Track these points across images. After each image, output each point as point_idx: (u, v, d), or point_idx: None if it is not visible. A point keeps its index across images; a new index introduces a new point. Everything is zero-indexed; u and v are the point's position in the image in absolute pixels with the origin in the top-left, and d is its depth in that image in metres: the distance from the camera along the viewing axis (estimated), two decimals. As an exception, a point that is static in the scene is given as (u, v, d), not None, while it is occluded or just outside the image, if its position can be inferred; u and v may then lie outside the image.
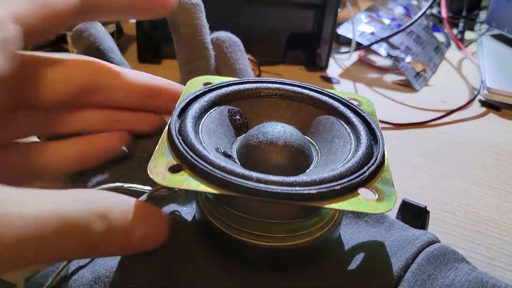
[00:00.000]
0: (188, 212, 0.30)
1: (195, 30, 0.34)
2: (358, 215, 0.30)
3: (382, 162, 0.25)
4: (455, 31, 0.73)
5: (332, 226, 0.26)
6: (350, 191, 0.23)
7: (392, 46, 0.60)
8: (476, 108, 0.53)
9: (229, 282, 0.24)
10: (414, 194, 0.37)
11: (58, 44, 0.54)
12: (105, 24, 0.40)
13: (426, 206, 0.30)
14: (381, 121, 0.47)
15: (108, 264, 0.24)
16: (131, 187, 0.28)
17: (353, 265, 0.26)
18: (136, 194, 0.28)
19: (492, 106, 0.53)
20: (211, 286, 0.23)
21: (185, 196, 0.31)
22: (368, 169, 0.24)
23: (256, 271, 0.25)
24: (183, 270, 0.24)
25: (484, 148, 0.45)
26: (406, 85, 0.57)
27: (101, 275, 0.23)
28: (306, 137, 0.29)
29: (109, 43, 0.34)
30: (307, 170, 0.26)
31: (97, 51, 0.33)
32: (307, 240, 0.25)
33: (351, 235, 0.29)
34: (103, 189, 0.27)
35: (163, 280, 0.24)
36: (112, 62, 0.33)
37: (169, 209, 0.30)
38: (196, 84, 0.31)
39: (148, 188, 0.28)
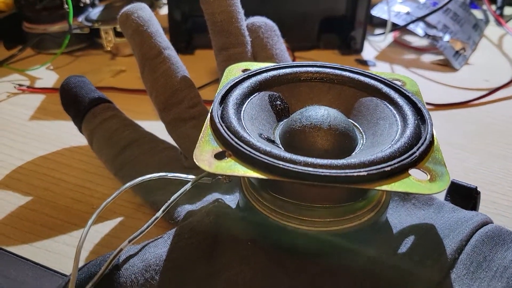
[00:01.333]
0: (231, 200, 0.30)
1: (230, 17, 0.34)
2: (405, 198, 0.29)
3: (431, 142, 0.24)
4: (493, 7, 0.71)
5: (380, 210, 0.26)
6: (400, 172, 0.22)
7: (429, 25, 0.58)
8: (522, 85, 0.51)
9: (276, 270, 0.24)
10: (461, 176, 0.35)
11: (92, 39, 0.55)
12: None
13: (476, 187, 0.29)
14: (422, 102, 0.46)
15: (157, 253, 0.24)
16: (175, 176, 0.28)
17: (403, 248, 0.25)
18: (180, 183, 0.28)
19: (538, 82, 0.51)
20: (258, 274, 0.23)
21: (228, 184, 0.31)
22: (418, 149, 0.23)
23: (303, 257, 0.25)
24: (229, 258, 0.24)
25: (532, 127, 0.43)
26: (446, 65, 0.55)
27: (151, 263, 0.23)
28: (350, 120, 0.28)
29: (157, 27, 0.34)
30: (353, 153, 0.26)
31: (144, 35, 0.33)
32: (355, 224, 0.25)
33: (399, 218, 0.28)
34: (150, 178, 0.27)
35: (209, 268, 0.24)
36: (159, 46, 0.33)
37: (212, 198, 0.30)
38: (235, 71, 0.31)
39: (191, 176, 0.28)
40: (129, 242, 0.24)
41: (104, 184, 0.34)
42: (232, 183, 0.31)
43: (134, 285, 0.23)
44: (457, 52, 0.56)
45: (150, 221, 0.25)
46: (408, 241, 0.26)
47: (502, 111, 0.46)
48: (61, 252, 0.28)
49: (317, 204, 0.24)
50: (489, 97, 0.48)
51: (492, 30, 0.67)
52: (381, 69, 0.54)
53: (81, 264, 0.23)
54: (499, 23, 0.65)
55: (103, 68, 0.51)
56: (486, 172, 0.36)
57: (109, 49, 0.54)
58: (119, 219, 0.31)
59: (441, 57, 0.57)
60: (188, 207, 0.29)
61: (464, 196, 0.29)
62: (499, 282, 0.22)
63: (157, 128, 0.34)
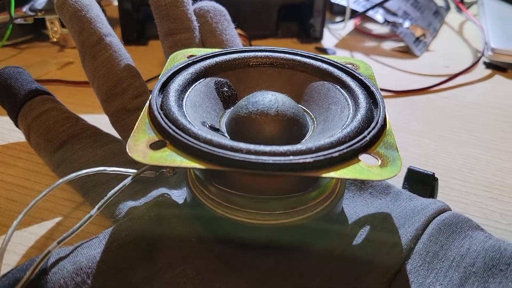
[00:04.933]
0: (179, 195, 0.28)
1: (175, 1, 0.32)
2: (361, 187, 0.28)
3: (384, 126, 0.23)
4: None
5: (334, 200, 0.24)
6: (350, 158, 0.21)
7: (389, 12, 0.57)
8: (481, 70, 0.50)
9: (221, 267, 0.22)
10: (420, 163, 0.34)
11: (38, 30, 0.52)
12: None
13: (433, 173, 0.28)
14: (382, 89, 0.45)
15: (90, 254, 0.22)
16: (114, 170, 0.26)
17: (358, 239, 0.24)
18: (120, 179, 0.26)
19: (497, 67, 0.50)
20: (201, 272, 0.21)
21: (176, 178, 0.29)
22: (368, 133, 0.22)
23: (252, 253, 0.23)
24: (170, 257, 0.22)
25: (492, 112, 0.42)
26: (406, 52, 0.54)
27: (83, 265, 0.21)
28: (301, 105, 0.27)
29: (97, 12, 0.32)
30: (303, 140, 0.24)
31: (83, 20, 0.31)
32: (307, 216, 0.23)
33: (355, 208, 0.27)
34: (85, 173, 0.25)
35: (149, 269, 0.22)
36: (99, 33, 0.31)
37: (158, 193, 0.28)
38: (180, 57, 0.29)
39: (132, 170, 0.26)
40: (58, 243, 0.22)
41: (42, 181, 0.31)
42: (180, 177, 0.29)
43: None
44: (417, 38, 0.55)
45: (82, 220, 0.22)
46: (364, 232, 0.24)
47: (462, 97, 0.45)
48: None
49: (265, 195, 0.22)
50: (449, 83, 0.47)
51: (453, 17, 0.67)
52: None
53: (8, 269, 0.21)
54: (459, 10, 0.65)
55: (49, 60, 0.48)
56: (445, 158, 0.35)
57: (55, 40, 0.51)
58: (57, 219, 0.28)
59: (401, 44, 0.56)
60: (130, 204, 0.27)
61: (421, 183, 0.28)
62: (456, 272, 0.21)
63: (105, 121, 0.31)
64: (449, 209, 0.25)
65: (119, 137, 0.32)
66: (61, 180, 0.24)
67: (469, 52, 0.55)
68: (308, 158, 0.20)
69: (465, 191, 0.32)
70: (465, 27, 0.63)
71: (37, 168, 0.32)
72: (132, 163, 0.29)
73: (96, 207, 0.23)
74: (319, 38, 0.55)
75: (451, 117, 0.41)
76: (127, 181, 0.25)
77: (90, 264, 0.21)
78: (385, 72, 0.50)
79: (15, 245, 0.26)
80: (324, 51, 0.54)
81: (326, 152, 0.20)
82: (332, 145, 0.21)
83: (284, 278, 0.22)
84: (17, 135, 0.35)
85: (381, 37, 0.59)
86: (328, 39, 0.58)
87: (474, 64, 0.50)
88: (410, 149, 0.36)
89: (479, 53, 0.54)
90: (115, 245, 0.22)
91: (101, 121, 0.32)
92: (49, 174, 0.31)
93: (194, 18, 0.33)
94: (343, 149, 0.21)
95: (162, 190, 0.28)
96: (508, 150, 0.36)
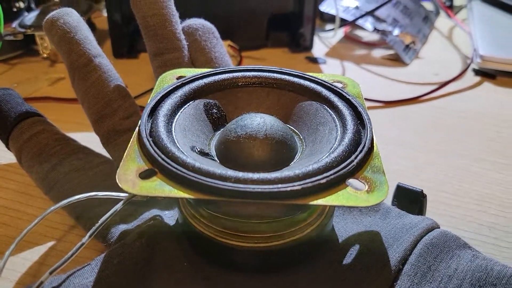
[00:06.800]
0: (171, 216, 0.28)
1: (163, 20, 0.32)
2: (350, 205, 0.28)
3: (370, 148, 0.23)
4: (443, -3, 0.71)
5: (324, 220, 0.24)
6: (337, 183, 0.21)
7: (378, 20, 0.57)
8: (470, 78, 0.51)
9: None
10: (410, 175, 0.35)
11: (28, 45, 0.52)
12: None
13: (422, 190, 0.28)
14: (372, 100, 0.45)
15: (82, 283, 0.22)
16: (106, 195, 0.26)
17: (348, 259, 0.24)
18: (112, 201, 0.26)
19: (486, 74, 0.51)
20: None
21: (167, 199, 0.29)
22: (356, 157, 0.22)
23: (244, 275, 0.23)
24: (162, 283, 0.22)
25: (482, 120, 0.43)
26: (396, 59, 0.55)
27: (76, 295, 0.21)
28: (289, 126, 0.27)
29: (86, 33, 0.32)
30: (292, 163, 0.24)
31: (72, 42, 0.31)
32: (297, 237, 0.23)
33: (345, 226, 0.27)
34: (78, 200, 0.25)
35: None
36: (88, 54, 0.31)
37: (150, 215, 0.28)
38: (169, 78, 0.29)
39: (123, 194, 0.26)
40: (51, 273, 0.22)
41: (34, 204, 0.31)
42: (171, 198, 0.29)
43: None
44: (407, 46, 0.55)
45: (74, 249, 0.23)
46: (353, 251, 0.25)
47: (451, 106, 0.45)
48: (-18, 286, 0.26)
49: (255, 219, 0.23)
50: (439, 92, 0.47)
51: (442, 22, 0.67)
52: (331, 66, 0.54)
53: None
54: (449, 15, 0.65)
55: (40, 76, 0.48)
56: (435, 170, 0.35)
57: (45, 56, 0.51)
58: (50, 243, 0.28)
59: (391, 52, 0.56)
60: (122, 227, 0.27)
61: (410, 199, 0.28)
62: (444, 293, 0.22)
63: (96, 140, 0.31)
64: (438, 227, 0.26)
65: (110, 157, 0.32)
66: (52, 208, 0.25)
67: (459, 58, 0.56)
68: (296, 186, 0.20)
69: (455, 204, 0.32)
70: (454, 32, 0.64)
71: (29, 191, 0.32)
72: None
73: (88, 234, 0.23)
74: (309, 47, 0.56)
75: (440, 127, 0.42)
76: (118, 206, 0.25)
77: (82, 293, 0.21)
78: (375, 82, 0.50)
79: (8, 271, 0.26)
80: (314, 60, 0.54)
81: (313, 179, 0.20)
82: (319, 171, 0.21)
83: None
84: (8, 156, 0.35)
85: (371, 45, 0.59)
86: (319, 47, 0.58)
87: (463, 71, 0.51)
88: (400, 162, 0.36)
89: (468, 59, 0.54)
90: (106, 273, 0.22)
91: (93, 140, 0.32)
92: (41, 196, 0.31)
93: (182, 37, 0.33)
94: (330, 175, 0.21)
95: (154, 212, 0.28)
96: (496, 160, 0.37)
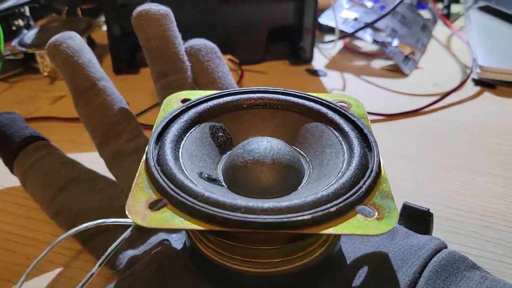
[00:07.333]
0: (178, 239, 0.28)
1: (166, 43, 0.32)
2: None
3: (378, 173, 0.23)
4: (440, 5, 0.71)
5: (332, 242, 0.25)
6: (347, 211, 0.21)
7: (377, 30, 0.58)
8: (470, 88, 0.51)
9: None
10: (414, 191, 0.35)
11: (28, 63, 0.52)
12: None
13: (428, 209, 0.28)
14: (373, 113, 0.45)
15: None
16: (114, 222, 0.26)
17: (357, 281, 0.24)
18: (121, 228, 0.26)
19: (486, 84, 0.51)
20: None
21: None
22: (364, 183, 0.22)
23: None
24: None
25: (483, 132, 0.43)
26: (396, 70, 0.55)
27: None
28: (295, 147, 0.27)
29: (89, 57, 0.32)
30: (300, 187, 0.24)
31: (75, 66, 0.31)
32: (306, 261, 0.23)
33: (352, 246, 0.27)
34: (85, 228, 0.25)
35: None
36: (92, 78, 0.31)
37: (157, 239, 0.28)
38: (173, 102, 0.29)
39: (131, 220, 0.26)
40: (62, 305, 0.22)
41: (40, 229, 0.31)
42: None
43: None
44: (406, 56, 0.56)
45: (84, 280, 0.23)
46: (362, 273, 0.25)
47: (452, 117, 0.46)
48: (-8, 315, 0.26)
49: (264, 246, 0.23)
50: (440, 103, 0.47)
51: (440, 30, 0.67)
52: (332, 78, 0.54)
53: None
54: (446, 24, 0.65)
55: (41, 95, 0.48)
56: (439, 185, 0.36)
57: (46, 74, 0.51)
58: (57, 270, 0.28)
59: (391, 63, 0.56)
60: (130, 253, 0.27)
61: (416, 218, 0.28)
62: (455, 317, 0.22)
63: (101, 160, 0.31)
64: (445, 247, 0.26)
65: (115, 179, 0.32)
66: (61, 237, 0.25)
67: (458, 68, 0.56)
68: (306, 215, 0.20)
69: (460, 220, 0.32)
70: (452, 41, 0.64)
71: (35, 215, 0.32)
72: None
73: (98, 264, 0.23)
74: (309, 60, 0.56)
75: (442, 139, 0.42)
76: (127, 233, 0.25)
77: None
78: (376, 94, 0.50)
79: (17, 300, 0.26)
80: (315, 72, 0.54)
81: (323, 207, 0.20)
82: (328, 198, 0.21)
83: None
84: (12, 179, 0.35)
85: (370, 55, 0.59)
86: (318, 59, 0.58)
87: (464, 82, 0.51)
88: (404, 178, 0.36)
89: (467, 69, 0.55)
90: None
91: (96, 160, 0.32)
92: (47, 220, 0.31)
93: (185, 58, 0.33)
94: (340, 202, 0.21)
95: (161, 236, 0.28)
96: (499, 173, 0.37)
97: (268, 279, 0.23)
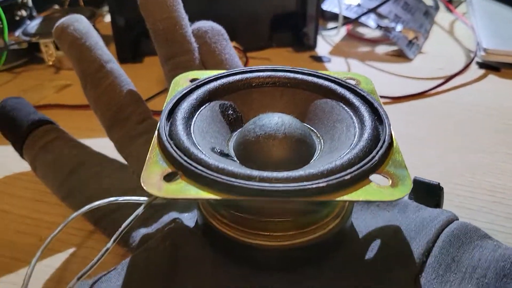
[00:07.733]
0: (190, 218, 0.28)
1: (173, 24, 0.32)
2: (369, 200, 0.29)
3: (390, 144, 0.23)
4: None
5: (344, 216, 0.25)
6: (361, 179, 0.21)
7: (381, 16, 0.58)
8: (475, 71, 0.51)
9: None
10: (423, 170, 0.35)
11: (32, 53, 0.52)
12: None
13: (439, 183, 0.28)
14: (380, 96, 0.45)
15: (110, 287, 0.22)
16: (126, 199, 0.26)
17: (370, 254, 0.24)
18: (130, 206, 0.26)
19: (491, 67, 0.51)
20: None
21: (186, 202, 0.29)
22: (377, 153, 0.22)
23: (267, 273, 0.23)
24: (190, 281, 0.23)
25: (489, 113, 0.43)
26: (400, 55, 0.55)
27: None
28: (306, 124, 0.27)
29: (96, 39, 0.32)
30: (312, 160, 0.24)
31: (82, 48, 0.31)
32: (319, 234, 0.23)
33: (364, 222, 0.27)
34: (98, 205, 0.25)
35: None
36: (99, 60, 0.31)
37: (169, 218, 0.28)
38: (182, 81, 0.29)
39: (143, 198, 0.26)
40: (78, 279, 0.22)
41: (52, 211, 0.31)
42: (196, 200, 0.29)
43: None
44: (410, 41, 0.56)
45: (99, 254, 0.23)
46: (375, 246, 0.25)
47: (458, 99, 0.46)
48: (7, 294, 0.26)
49: (277, 218, 0.23)
50: (445, 86, 0.48)
51: (443, 16, 0.67)
52: (336, 64, 0.54)
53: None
54: (449, 9, 0.65)
55: (46, 84, 0.48)
56: (447, 164, 0.36)
57: (51, 63, 0.51)
58: (70, 250, 0.28)
59: (395, 48, 0.56)
60: (143, 231, 0.27)
61: (427, 193, 0.28)
62: (469, 284, 0.22)
63: (109, 145, 0.32)
64: (457, 219, 0.26)
65: (125, 162, 0.32)
66: (75, 214, 0.25)
67: (462, 52, 0.56)
68: (321, 183, 0.20)
69: (469, 196, 0.32)
70: (455, 26, 0.64)
71: (45, 198, 0.32)
72: (141, 189, 0.29)
73: (112, 239, 0.24)
74: (313, 46, 0.56)
75: (449, 121, 0.42)
76: (140, 210, 0.25)
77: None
78: (381, 78, 0.50)
79: (32, 279, 0.26)
80: (319, 59, 0.54)
81: (338, 176, 0.20)
82: (342, 167, 0.21)
83: None
84: (22, 165, 0.35)
85: (374, 41, 0.59)
86: (322, 46, 0.58)
87: (468, 65, 0.51)
88: (412, 157, 0.36)
89: (471, 53, 0.55)
90: (134, 277, 0.22)
91: (106, 145, 0.32)
92: (57, 203, 0.31)
93: (193, 39, 0.33)
94: (354, 170, 0.21)
95: (173, 215, 0.28)
96: (507, 152, 0.37)
97: (281, 253, 0.23)
